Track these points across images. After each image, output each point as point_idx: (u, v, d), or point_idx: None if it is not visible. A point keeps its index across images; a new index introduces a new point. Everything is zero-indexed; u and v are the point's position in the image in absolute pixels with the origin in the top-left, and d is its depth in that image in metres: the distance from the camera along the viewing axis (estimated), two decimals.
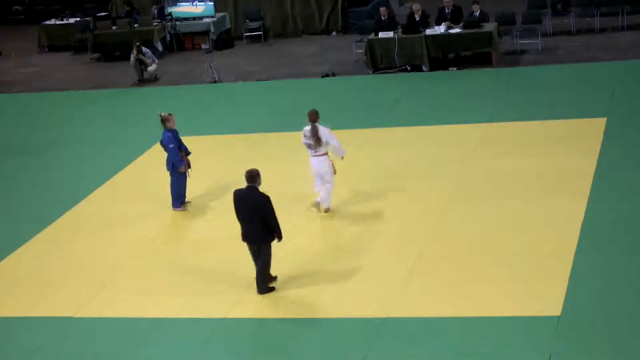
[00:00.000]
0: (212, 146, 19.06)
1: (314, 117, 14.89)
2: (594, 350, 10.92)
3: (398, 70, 23.28)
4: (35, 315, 13.19)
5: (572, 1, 25.73)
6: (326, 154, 15.00)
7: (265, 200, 12.63)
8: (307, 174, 15.39)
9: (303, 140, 15.03)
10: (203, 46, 27.57)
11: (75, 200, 17.03)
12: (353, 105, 21.15)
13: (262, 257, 12.84)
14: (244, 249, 14.73)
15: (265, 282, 12.94)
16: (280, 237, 12.78)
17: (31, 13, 33.76)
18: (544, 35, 24.64)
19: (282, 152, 17.98)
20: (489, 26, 23.21)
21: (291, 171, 16.69)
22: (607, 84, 20.36)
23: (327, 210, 15.21)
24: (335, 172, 15.16)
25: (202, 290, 13.37)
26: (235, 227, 15.38)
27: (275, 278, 13.13)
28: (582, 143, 17.03)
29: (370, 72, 23.42)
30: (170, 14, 27.95)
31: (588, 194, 14.87)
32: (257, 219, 12.62)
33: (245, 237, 12.86)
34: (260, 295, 12.89)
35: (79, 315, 13.06)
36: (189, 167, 16.02)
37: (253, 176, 12.74)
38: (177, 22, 27.89)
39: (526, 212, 14.59)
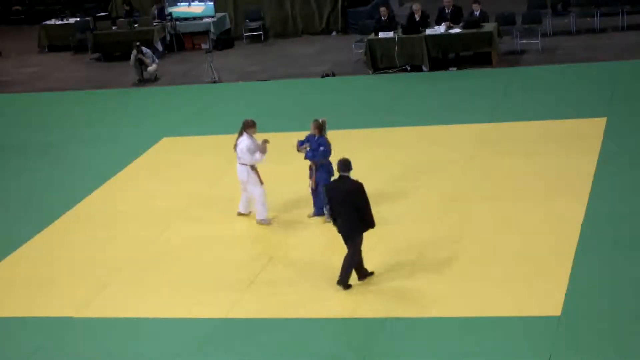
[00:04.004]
0: (212, 146, 19.06)
1: (245, 126, 14.97)
2: (594, 350, 10.93)
3: (398, 70, 23.28)
4: (35, 315, 13.19)
5: (572, 1, 25.73)
6: (246, 164, 14.97)
7: (360, 187, 12.69)
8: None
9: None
10: (203, 46, 27.57)
11: (75, 200, 17.03)
12: (353, 105, 21.16)
13: (351, 248, 12.76)
14: (244, 249, 14.78)
15: (349, 275, 12.83)
16: (372, 225, 12.76)
17: (31, 13, 33.76)
18: (544, 35, 24.64)
19: (282, 152, 17.95)
20: (489, 26, 23.21)
21: (291, 171, 16.66)
22: (607, 84, 20.36)
23: (262, 222, 15.19)
24: (262, 183, 15.10)
25: (202, 290, 13.37)
26: (235, 227, 15.45)
27: (371, 274, 13.06)
28: (582, 143, 17.03)
29: (370, 72, 23.42)
30: (170, 14, 27.95)
31: (588, 194, 14.88)
32: (351, 207, 12.60)
33: (338, 227, 12.80)
34: (342, 288, 12.83)
35: (78, 315, 13.06)
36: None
37: (346, 164, 12.76)
38: (177, 22, 27.90)
39: (526, 212, 14.59)
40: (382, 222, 14.80)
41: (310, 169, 15.05)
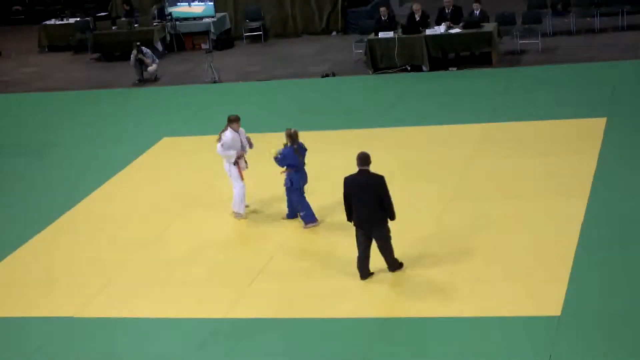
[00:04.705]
0: (212, 146, 19.02)
1: (228, 121, 15.42)
2: (594, 350, 10.93)
3: (398, 70, 23.28)
4: (35, 315, 13.19)
5: (572, 1, 25.72)
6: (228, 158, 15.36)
7: (382, 179, 12.83)
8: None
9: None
10: (203, 46, 27.57)
11: (75, 200, 17.03)
12: (353, 105, 21.16)
13: (384, 240, 12.91)
14: (244, 248, 14.77)
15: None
16: (393, 216, 12.91)
17: (31, 13, 33.78)
18: (544, 35, 24.64)
19: None
20: (489, 26, 23.21)
21: None
22: (607, 84, 20.36)
23: (236, 215, 15.52)
24: (242, 178, 15.35)
25: (202, 289, 13.37)
26: (235, 227, 15.47)
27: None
28: (582, 143, 17.03)
29: (370, 72, 23.43)
30: (170, 14, 27.95)
31: (588, 194, 14.88)
32: (374, 199, 12.72)
33: (360, 222, 12.90)
34: (363, 280, 13.02)
35: (79, 315, 13.06)
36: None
37: (366, 158, 12.89)
38: (177, 22, 27.90)
39: (526, 212, 14.59)
40: None
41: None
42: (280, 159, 14.86)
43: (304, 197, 15.00)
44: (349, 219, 13.08)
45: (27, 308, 13.43)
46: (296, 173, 14.90)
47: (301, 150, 14.95)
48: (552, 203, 14.80)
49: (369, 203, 12.76)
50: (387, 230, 12.95)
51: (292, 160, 14.84)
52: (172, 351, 11.97)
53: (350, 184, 12.95)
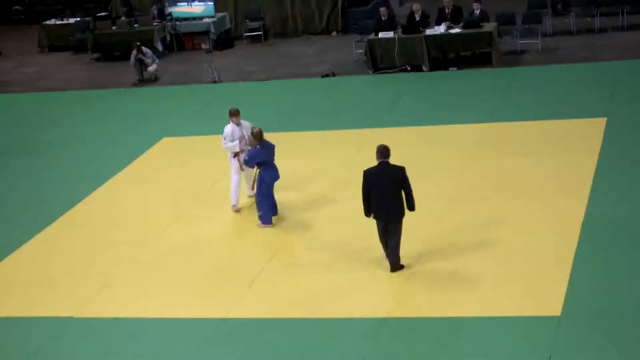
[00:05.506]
0: (212, 146, 19.04)
1: (228, 114, 15.73)
2: (594, 350, 10.93)
3: (398, 70, 23.28)
4: (34, 315, 13.19)
5: (572, 1, 25.72)
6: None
7: (404, 170, 12.94)
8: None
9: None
10: (203, 46, 27.56)
11: (75, 201, 17.03)
12: (353, 105, 21.16)
13: (396, 234, 12.98)
14: (244, 248, 14.77)
15: (399, 261, 13.12)
16: (414, 207, 13.00)
17: (31, 13, 33.77)
18: (544, 35, 24.64)
19: (281, 152, 17.95)
20: (489, 26, 23.21)
21: (290, 170, 16.67)
22: (607, 84, 20.35)
23: (232, 208, 15.71)
24: (242, 168, 15.56)
25: (202, 290, 13.37)
26: (234, 227, 15.46)
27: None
28: (582, 143, 17.03)
29: (370, 72, 23.42)
30: (170, 14, 27.95)
31: (588, 194, 14.88)
32: (396, 191, 12.82)
33: (379, 213, 12.95)
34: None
35: (78, 315, 13.06)
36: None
37: (386, 151, 12.98)
38: (177, 22, 27.90)
39: (526, 212, 14.59)
40: None
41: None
42: (247, 161, 15.02)
43: (270, 197, 15.04)
44: (367, 214, 13.10)
45: (27, 308, 13.43)
46: (265, 170, 14.93)
47: (268, 147, 14.98)
48: (552, 203, 14.80)
49: (389, 195, 12.83)
50: (401, 225, 13.00)
51: (259, 157, 14.89)
52: (172, 351, 11.97)
53: (370, 176, 12.99)
